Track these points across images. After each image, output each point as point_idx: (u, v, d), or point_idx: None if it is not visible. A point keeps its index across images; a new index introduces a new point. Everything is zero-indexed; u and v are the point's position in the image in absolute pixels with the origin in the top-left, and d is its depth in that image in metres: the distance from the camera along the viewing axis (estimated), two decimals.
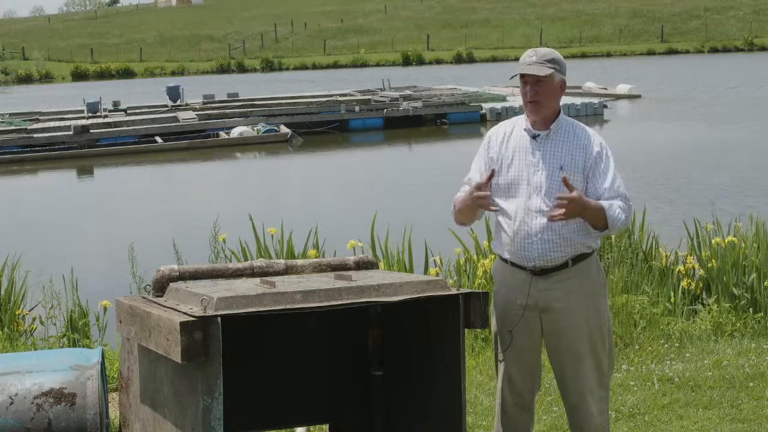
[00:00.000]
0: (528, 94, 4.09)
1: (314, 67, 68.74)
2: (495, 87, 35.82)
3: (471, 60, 67.81)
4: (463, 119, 29.41)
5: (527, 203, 4.08)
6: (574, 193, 3.91)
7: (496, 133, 4.27)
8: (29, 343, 7.07)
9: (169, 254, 8.45)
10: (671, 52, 66.92)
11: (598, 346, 4.16)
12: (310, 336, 4.42)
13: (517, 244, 4.10)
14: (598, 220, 4.02)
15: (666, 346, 6.70)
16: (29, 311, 7.82)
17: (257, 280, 3.88)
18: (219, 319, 3.30)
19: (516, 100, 28.45)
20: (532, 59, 4.08)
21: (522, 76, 4.07)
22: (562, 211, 3.91)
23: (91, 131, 26.65)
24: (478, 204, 4.08)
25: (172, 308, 3.54)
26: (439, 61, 67.65)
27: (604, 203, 4.02)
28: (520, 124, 4.23)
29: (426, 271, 8.02)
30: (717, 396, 5.68)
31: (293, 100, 32.79)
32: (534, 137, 4.15)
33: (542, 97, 4.08)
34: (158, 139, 26.80)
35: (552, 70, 4.06)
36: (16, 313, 7.64)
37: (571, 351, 4.13)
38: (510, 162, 4.16)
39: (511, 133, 4.22)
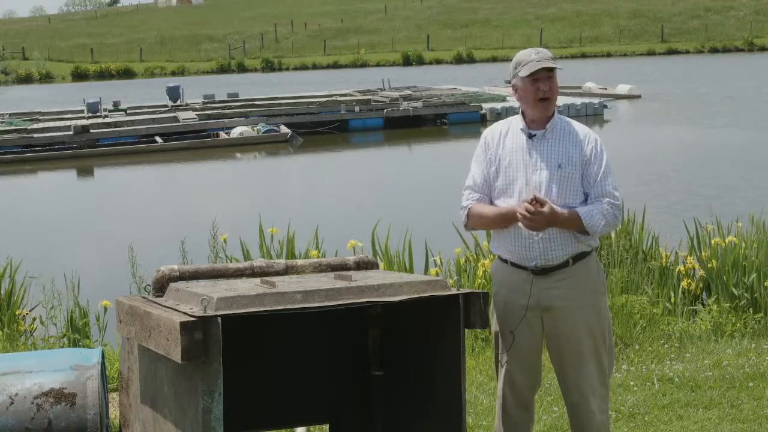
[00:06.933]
0: (541, 91, 4.09)
1: (314, 67, 68.70)
2: (495, 87, 35.80)
3: (471, 60, 67.78)
4: (463, 119, 29.39)
5: None
6: (546, 207, 3.95)
7: (491, 133, 4.28)
8: (29, 343, 7.07)
9: (169, 254, 8.45)
10: (671, 52, 66.89)
11: (599, 345, 4.17)
12: (310, 336, 4.42)
13: (519, 244, 4.11)
14: (576, 228, 4.05)
15: (666, 346, 6.70)
16: (29, 311, 7.83)
17: (257, 280, 3.87)
18: (219, 319, 3.30)
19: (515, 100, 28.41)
20: (539, 56, 4.09)
21: (533, 73, 4.07)
22: (527, 223, 3.96)
23: (91, 131, 26.63)
24: (529, 226, 4.00)
25: (172, 308, 3.54)
26: (439, 61, 67.61)
27: (581, 211, 4.03)
28: (515, 124, 4.23)
29: (426, 271, 8.03)
30: (717, 396, 5.67)
31: (293, 100, 32.76)
32: (530, 137, 4.16)
33: (553, 93, 4.13)
34: (158, 139, 26.78)
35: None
36: (17, 313, 7.65)
37: (572, 350, 4.14)
38: (508, 162, 4.16)
39: (507, 133, 4.22)
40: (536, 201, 3.96)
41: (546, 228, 4.01)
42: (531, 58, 4.09)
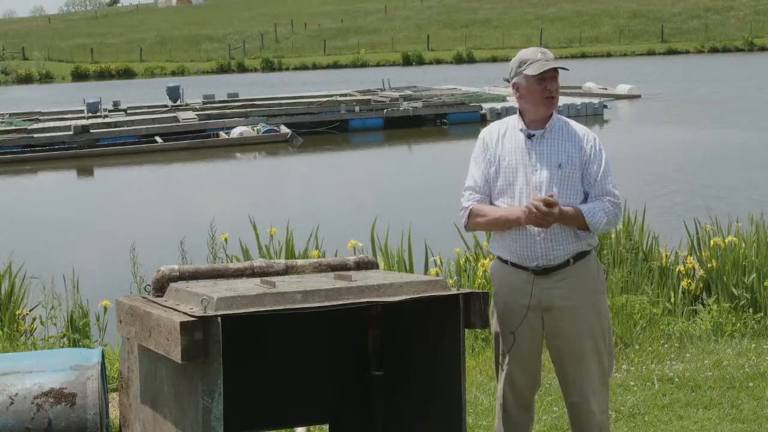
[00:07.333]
0: (548, 90, 4.11)
1: (314, 67, 68.71)
2: (495, 87, 35.80)
3: (471, 60, 67.80)
4: (463, 119, 29.39)
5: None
6: (555, 209, 3.96)
7: (489, 133, 4.28)
8: (29, 343, 7.07)
9: (169, 254, 8.44)
10: (671, 52, 66.91)
11: (600, 344, 4.17)
12: (310, 336, 4.42)
13: (520, 245, 4.11)
14: (578, 225, 4.08)
15: (666, 346, 6.70)
16: (29, 311, 7.83)
17: (257, 280, 3.87)
18: (219, 319, 3.30)
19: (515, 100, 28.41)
20: (545, 56, 4.12)
21: (542, 73, 4.07)
22: (536, 221, 3.98)
23: (91, 131, 26.63)
24: (537, 224, 4.01)
25: (172, 308, 3.53)
26: (439, 61, 67.61)
27: (584, 209, 4.06)
28: (513, 124, 4.23)
29: (426, 271, 8.02)
30: (717, 396, 5.67)
31: (293, 100, 32.77)
32: (530, 137, 4.16)
33: (558, 92, 4.16)
34: (158, 139, 26.78)
35: None
36: (17, 313, 7.65)
37: (573, 349, 4.14)
38: (507, 162, 4.16)
39: (505, 134, 4.22)
40: (546, 203, 3.95)
41: (552, 224, 4.02)
42: (537, 57, 4.09)
